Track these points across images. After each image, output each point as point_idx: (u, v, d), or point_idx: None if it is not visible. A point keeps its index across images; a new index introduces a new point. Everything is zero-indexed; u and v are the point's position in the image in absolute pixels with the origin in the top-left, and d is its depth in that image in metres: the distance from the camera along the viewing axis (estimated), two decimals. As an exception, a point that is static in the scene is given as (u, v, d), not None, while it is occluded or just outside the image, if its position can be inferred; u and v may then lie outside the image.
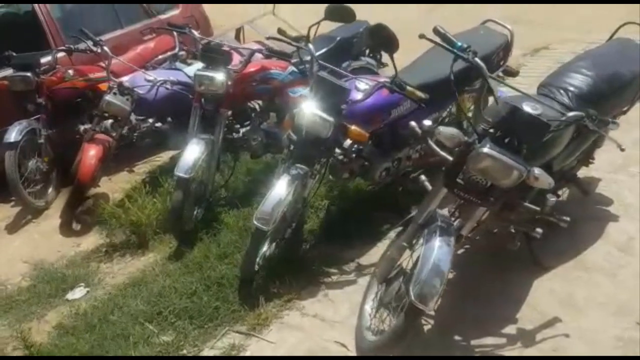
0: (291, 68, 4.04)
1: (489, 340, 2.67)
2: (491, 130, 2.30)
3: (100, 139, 4.23)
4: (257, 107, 4.19)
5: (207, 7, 6.36)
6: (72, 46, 4.76)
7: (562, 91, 2.84)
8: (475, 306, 2.83)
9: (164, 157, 5.17)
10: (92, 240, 4.10)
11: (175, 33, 5.30)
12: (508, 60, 3.72)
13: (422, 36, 2.35)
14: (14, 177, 4.21)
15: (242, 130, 4.10)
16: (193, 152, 3.52)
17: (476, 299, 2.88)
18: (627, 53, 3.21)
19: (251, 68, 3.80)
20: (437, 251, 2.32)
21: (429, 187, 2.97)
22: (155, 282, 3.37)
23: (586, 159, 3.31)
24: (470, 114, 3.50)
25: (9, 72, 4.54)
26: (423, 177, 3.05)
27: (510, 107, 2.18)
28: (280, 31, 3.09)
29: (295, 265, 3.29)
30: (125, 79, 4.25)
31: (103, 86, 4.80)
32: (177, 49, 5.23)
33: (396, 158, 3.50)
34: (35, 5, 4.95)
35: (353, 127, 2.93)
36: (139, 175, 4.94)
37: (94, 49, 4.29)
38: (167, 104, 4.35)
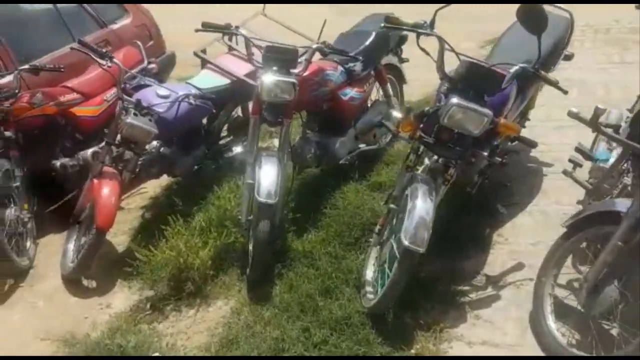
0: (340, 68, 3.58)
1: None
2: None
3: (110, 173, 3.41)
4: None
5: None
6: (37, 64, 3.89)
7: None
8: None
9: (150, 187, 4.39)
10: (121, 296, 3.29)
11: (140, 43, 4.62)
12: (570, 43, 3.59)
13: (639, 7, 2.07)
14: None
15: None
16: (270, 173, 2.94)
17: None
18: None
19: (311, 69, 3.27)
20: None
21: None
22: (257, 335, 2.74)
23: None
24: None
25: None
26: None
27: None
28: (391, 19, 2.63)
29: (419, 288, 2.86)
30: (137, 96, 3.49)
31: (77, 110, 4.01)
32: (145, 62, 4.51)
33: (486, 154, 3.20)
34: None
35: (503, 121, 2.56)
36: (134, 212, 4.13)
37: (102, 62, 3.47)
38: (187, 123, 3.67)
